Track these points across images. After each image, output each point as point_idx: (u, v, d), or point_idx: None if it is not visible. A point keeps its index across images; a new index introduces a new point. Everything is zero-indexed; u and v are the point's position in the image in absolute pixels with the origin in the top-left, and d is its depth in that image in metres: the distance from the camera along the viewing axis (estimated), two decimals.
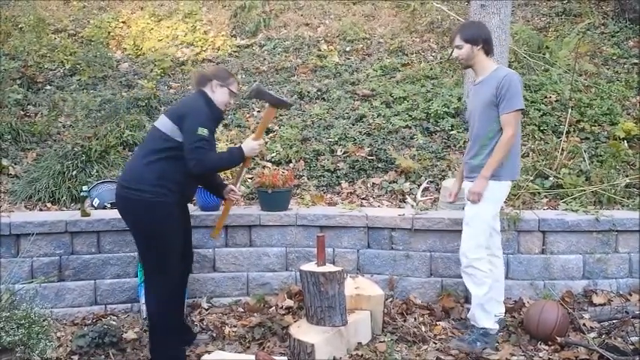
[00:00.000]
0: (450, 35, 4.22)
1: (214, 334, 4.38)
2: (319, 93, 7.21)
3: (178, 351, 3.94)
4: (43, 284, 4.54)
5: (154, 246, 3.80)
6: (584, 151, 5.82)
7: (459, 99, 6.62)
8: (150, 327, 3.96)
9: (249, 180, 5.61)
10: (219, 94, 4.00)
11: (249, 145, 4.05)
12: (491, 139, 3.97)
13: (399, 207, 5.33)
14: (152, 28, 8.73)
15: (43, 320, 3.60)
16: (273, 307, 4.69)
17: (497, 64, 4.26)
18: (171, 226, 3.81)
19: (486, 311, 4.08)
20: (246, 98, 4.40)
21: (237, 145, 4.14)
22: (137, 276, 4.70)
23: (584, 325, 4.25)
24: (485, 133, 3.99)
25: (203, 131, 3.75)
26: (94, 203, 5.17)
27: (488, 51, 4.07)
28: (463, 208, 4.23)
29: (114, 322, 4.41)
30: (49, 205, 5.41)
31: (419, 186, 5.53)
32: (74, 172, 5.59)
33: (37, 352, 3.45)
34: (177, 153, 3.77)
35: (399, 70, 7.63)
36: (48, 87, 7.33)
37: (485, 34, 4.08)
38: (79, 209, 4.84)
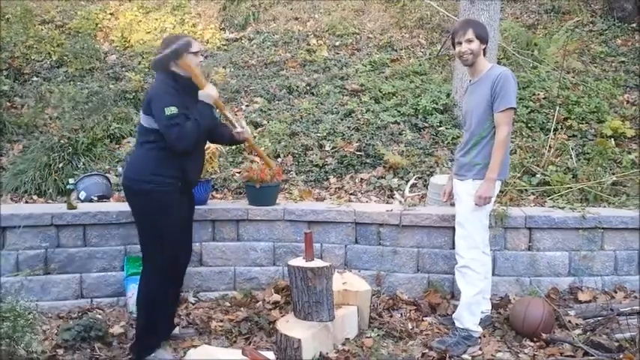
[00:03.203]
0: (457, 29, 4.11)
1: (201, 329, 4.36)
2: (308, 87, 7.20)
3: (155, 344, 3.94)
4: (29, 277, 4.49)
5: (150, 235, 3.83)
6: (572, 149, 5.85)
7: (448, 95, 6.64)
8: (137, 317, 3.98)
9: (237, 174, 5.60)
10: (184, 66, 3.80)
11: (203, 95, 3.84)
12: (484, 138, 3.96)
13: (387, 203, 5.34)
14: (140, 21, 8.66)
15: (29, 313, 3.58)
16: (260, 302, 4.69)
17: (491, 63, 4.27)
18: (170, 217, 3.80)
19: (473, 313, 4.07)
20: None
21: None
22: (123, 270, 4.68)
23: (569, 321, 4.28)
24: (479, 132, 3.99)
25: (170, 110, 3.63)
26: (80, 196, 5.13)
27: (486, 51, 4.10)
28: (453, 205, 4.24)
29: (100, 316, 4.40)
30: (35, 197, 5.37)
31: (407, 182, 5.54)
32: (61, 165, 5.55)
33: (22, 345, 3.44)
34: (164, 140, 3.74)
35: (388, 66, 7.63)
36: (35, 78, 7.27)
37: (488, 35, 4.13)
38: (66, 202, 4.81)
